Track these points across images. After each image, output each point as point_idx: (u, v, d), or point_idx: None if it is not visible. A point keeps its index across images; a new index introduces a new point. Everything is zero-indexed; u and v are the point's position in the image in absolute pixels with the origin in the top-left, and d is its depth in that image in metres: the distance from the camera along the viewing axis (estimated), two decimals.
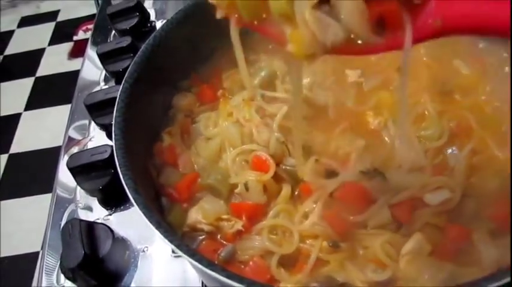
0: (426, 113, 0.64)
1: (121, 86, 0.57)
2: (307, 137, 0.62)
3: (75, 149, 0.86)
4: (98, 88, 0.95)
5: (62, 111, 2.57)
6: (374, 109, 0.66)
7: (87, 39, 2.95)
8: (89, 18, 2.94)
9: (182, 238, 0.56)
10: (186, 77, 0.70)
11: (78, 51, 2.86)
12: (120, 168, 0.50)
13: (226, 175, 0.60)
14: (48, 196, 2.43)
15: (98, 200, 0.77)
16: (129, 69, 0.59)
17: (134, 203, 0.49)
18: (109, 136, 0.85)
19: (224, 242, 0.58)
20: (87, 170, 0.73)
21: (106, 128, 0.85)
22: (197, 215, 0.58)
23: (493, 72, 0.65)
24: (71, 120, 0.92)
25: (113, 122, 0.54)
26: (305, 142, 0.60)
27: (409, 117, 0.63)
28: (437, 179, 0.57)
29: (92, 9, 2.93)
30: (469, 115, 0.62)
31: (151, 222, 0.47)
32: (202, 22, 0.61)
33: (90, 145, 0.84)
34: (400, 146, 0.61)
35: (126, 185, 0.49)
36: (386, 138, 0.63)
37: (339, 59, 0.70)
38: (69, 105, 2.71)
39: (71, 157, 0.75)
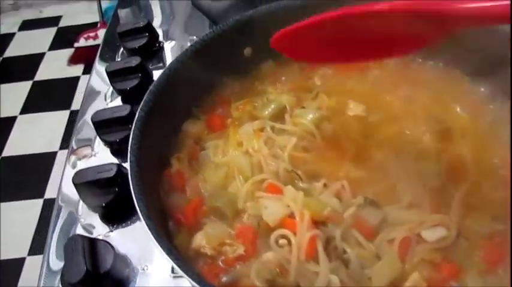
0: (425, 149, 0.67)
1: (137, 114, 0.60)
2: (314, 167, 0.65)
3: (78, 163, 0.88)
4: (104, 104, 0.97)
5: (58, 117, 2.59)
6: (377, 143, 0.69)
7: (88, 47, 2.99)
8: (91, 26, 2.97)
9: (187, 261, 0.58)
10: (197, 105, 0.73)
11: (78, 58, 2.88)
12: (135, 195, 0.52)
13: (234, 199, 0.63)
14: (39, 201, 2.42)
15: (100, 216, 0.78)
16: (144, 98, 0.61)
17: (147, 229, 0.51)
18: (113, 153, 0.87)
19: (225, 267, 0.60)
20: (92, 186, 0.75)
21: (111, 145, 0.87)
22: (201, 240, 0.60)
23: (491, 118, 0.68)
24: (76, 132, 0.93)
25: (129, 149, 0.56)
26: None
27: (409, 154, 0.66)
28: (435, 217, 0.60)
29: (95, 18, 2.99)
30: (467, 155, 0.66)
31: (161, 247, 0.49)
32: (216, 54, 0.64)
33: (94, 160, 0.86)
34: (400, 181, 0.64)
35: (140, 211, 0.51)
36: (387, 172, 0.66)
37: (344, 93, 0.74)
38: (65, 111, 2.72)
39: (77, 173, 0.77)
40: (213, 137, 0.72)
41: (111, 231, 0.76)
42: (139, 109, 0.60)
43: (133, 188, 0.53)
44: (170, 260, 0.50)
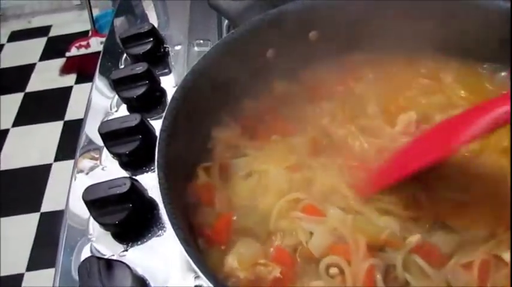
0: None
1: (161, 124, 0.55)
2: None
3: (85, 178, 0.83)
4: (109, 113, 0.92)
5: (51, 128, 2.53)
6: None
7: (80, 56, 2.94)
8: (82, 35, 2.91)
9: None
10: (227, 111, 0.67)
11: (70, 67, 2.82)
12: (170, 219, 0.47)
13: (266, 217, 0.58)
14: (35, 215, 2.38)
15: (112, 234, 0.73)
16: (168, 105, 0.57)
17: (187, 257, 0.46)
18: (123, 166, 0.82)
19: None
20: (105, 203, 0.70)
21: (120, 158, 0.82)
22: (233, 262, 0.55)
23: None
24: (81, 147, 0.88)
25: (156, 165, 0.51)
26: None
27: None
28: None
29: (85, 26, 2.93)
30: None
31: (198, 267, 0.44)
32: (243, 55, 0.60)
33: (103, 175, 0.81)
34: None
35: (178, 237, 0.46)
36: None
37: None
38: (58, 123, 2.67)
39: (87, 189, 0.72)
40: (251, 146, 0.66)
41: (126, 250, 0.71)
42: (163, 118, 0.55)
43: (166, 210, 0.48)
44: (207, 280, 0.44)
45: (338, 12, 0.69)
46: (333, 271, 0.53)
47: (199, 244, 0.57)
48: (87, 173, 0.83)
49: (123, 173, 0.81)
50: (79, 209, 0.76)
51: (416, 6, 0.68)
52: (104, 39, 2.72)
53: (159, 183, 0.50)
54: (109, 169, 0.82)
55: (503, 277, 0.51)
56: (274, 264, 0.55)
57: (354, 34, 0.71)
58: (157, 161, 0.51)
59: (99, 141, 0.86)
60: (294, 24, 0.67)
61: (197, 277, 0.66)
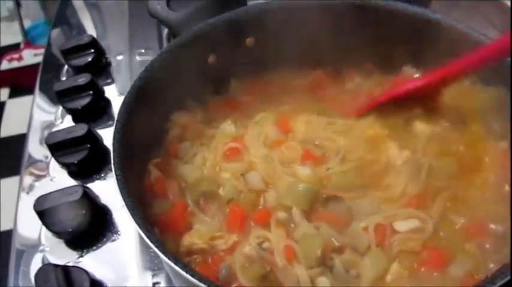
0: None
1: (114, 126, 0.57)
2: None
3: (34, 190, 0.83)
4: (53, 128, 0.92)
5: None
6: None
7: (12, 69, 2.81)
8: (13, 48, 2.81)
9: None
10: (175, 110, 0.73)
11: (2, 81, 2.72)
12: (129, 209, 0.51)
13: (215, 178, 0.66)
14: None
15: (66, 243, 0.75)
16: (120, 107, 0.59)
17: (149, 242, 0.49)
18: (72, 175, 0.83)
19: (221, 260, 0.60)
20: (58, 212, 0.71)
21: (69, 167, 0.83)
22: (191, 238, 0.60)
23: None
24: (28, 160, 0.88)
25: (112, 163, 0.54)
26: None
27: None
28: (407, 210, 0.63)
29: (16, 38, 2.83)
30: None
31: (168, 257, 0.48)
32: (187, 61, 0.65)
33: (52, 185, 0.82)
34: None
35: (139, 226, 0.49)
36: None
37: None
38: None
39: (38, 199, 0.73)
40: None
41: (82, 256, 0.73)
42: (116, 119, 0.58)
43: (125, 203, 0.51)
44: (168, 261, 0.48)
45: (272, 19, 0.74)
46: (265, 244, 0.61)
47: (155, 231, 0.60)
48: (35, 186, 0.84)
49: (73, 183, 0.82)
50: (29, 221, 0.77)
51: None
52: (37, 51, 2.65)
53: (117, 180, 0.53)
54: (58, 180, 0.83)
55: (398, 240, 0.61)
56: (230, 233, 0.61)
57: (284, 43, 0.77)
58: (114, 160, 0.54)
59: (44, 154, 0.87)
60: (231, 31, 0.72)
61: (154, 274, 0.70)
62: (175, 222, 0.63)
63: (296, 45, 0.76)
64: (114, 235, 0.75)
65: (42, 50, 1.21)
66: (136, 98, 0.61)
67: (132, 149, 0.59)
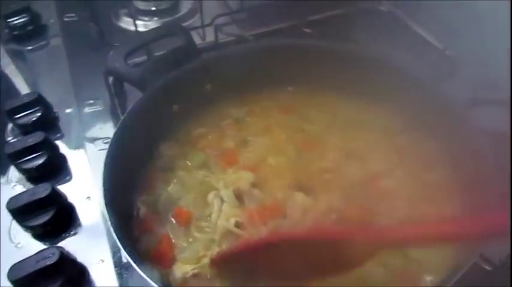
0: None
1: (102, 177, 0.59)
2: None
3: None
4: (10, 190, 0.89)
5: None
6: None
7: None
8: None
9: None
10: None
11: None
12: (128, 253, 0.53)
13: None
14: None
15: None
16: (105, 157, 0.63)
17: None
18: (39, 238, 0.81)
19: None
20: (35, 279, 0.70)
21: (34, 231, 0.81)
22: (182, 269, 0.64)
23: None
24: None
25: (104, 205, 0.56)
26: None
27: None
28: None
29: None
30: None
31: None
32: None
33: (18, 253, 0.79)
34: None
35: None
36: None
37: None
38: None
39: (12, 268, 0.70)
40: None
41: None
42: (104, 164, 0.61)
43: (122, 246, 0.53)
44: None
45: (225, 68, 0.83)
46: None
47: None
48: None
49: (40, 246, 0.80)
50: None
51: None
52: None
53: (111, 222, 0.56)
54: (26, 245, 0.80)
55: None
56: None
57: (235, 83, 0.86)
58: (105, 202, 0.59)
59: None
60: (191, 81, 0.78)
61: None
62: (164, 255, 0.66)
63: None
64: None
65: None
66: (118, 145, 0.67)
67: (120, 191, 0.65)
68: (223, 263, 0.63)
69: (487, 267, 0.61)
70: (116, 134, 0.67)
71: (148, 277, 0.51)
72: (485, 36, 1.01)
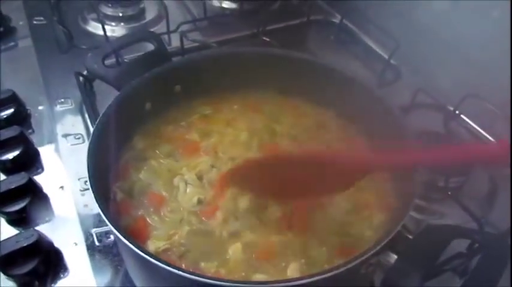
0: None
1: (86, 162, 0.68)
2: None
3: None
4: None
5: None
6: None
7: None
8: None
9: None
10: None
11: None
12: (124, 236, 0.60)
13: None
14: None
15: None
16: (88, 146, 0.71)
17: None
18: (14, 224, 0.86)
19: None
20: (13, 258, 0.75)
21: (9, 216, 0.86)
22: (155, 244, 0.71)
23: None
24: None
25: (91, 191, 0.64)
26: None
27: None
28: None
29: None
30: None
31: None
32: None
33: None
34: None
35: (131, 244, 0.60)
36: None
37: None
38: None
39: None
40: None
41: None
42: (88, 153, 0.70)
43: (116, 231, 0.61)
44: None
45: (192, 71, 0.92)
46: None
47: None
48: None
49: (15, 232, 0.85)
50: None
51: None
52: None
53: (98, 202, 0.63)
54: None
55: None
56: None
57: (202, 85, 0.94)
58: (91, 185, 0.65)
59: None
60: (162, 82, 0.88)
61: None
62: (140, 233, 0.73)
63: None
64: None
65: None
66: (100, 134, 0.74)
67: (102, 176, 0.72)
68: (232, 179, 0.76)
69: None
70: (95, 128, 0.74)
71: (130, 243, 0.59)
72: (425, 47, 1.15)
